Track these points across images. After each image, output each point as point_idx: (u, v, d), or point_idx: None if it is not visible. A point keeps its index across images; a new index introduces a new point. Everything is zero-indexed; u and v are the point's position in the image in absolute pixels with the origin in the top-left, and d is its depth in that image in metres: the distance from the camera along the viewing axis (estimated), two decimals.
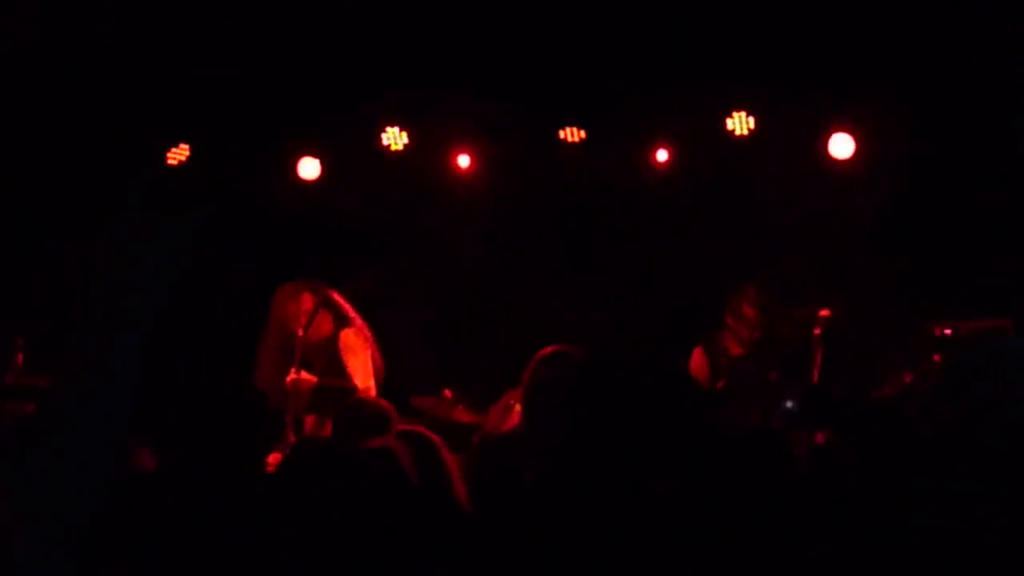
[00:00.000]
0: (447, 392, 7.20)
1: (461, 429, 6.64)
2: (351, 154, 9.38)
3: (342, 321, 7.35)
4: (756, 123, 8.92)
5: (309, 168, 9.40)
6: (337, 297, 7.40)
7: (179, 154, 9.27)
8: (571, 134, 9.19)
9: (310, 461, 4.47)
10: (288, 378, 6.98)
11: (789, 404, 7.11)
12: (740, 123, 8.92)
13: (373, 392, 6.99)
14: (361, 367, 7.23)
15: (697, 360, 8.08)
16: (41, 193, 9.17)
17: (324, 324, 7.31)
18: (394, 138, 9.28)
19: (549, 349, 5.54)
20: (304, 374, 7.06)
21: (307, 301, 7.30)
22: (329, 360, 7.27)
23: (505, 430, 5.79)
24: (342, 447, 4.94)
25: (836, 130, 8.90)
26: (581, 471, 3.87)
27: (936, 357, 7.79)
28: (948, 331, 7.79)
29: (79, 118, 9.09)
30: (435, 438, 4.88)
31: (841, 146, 8.90)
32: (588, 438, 4.06)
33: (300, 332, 7.09)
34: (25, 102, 8.89)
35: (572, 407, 4.77)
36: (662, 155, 9.20)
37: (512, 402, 6.13)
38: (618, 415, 3.57)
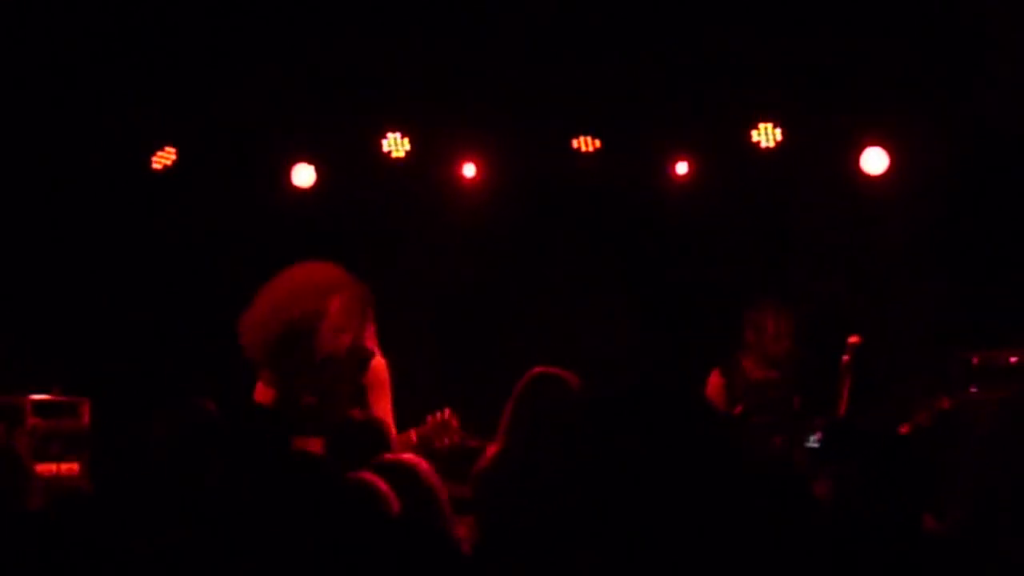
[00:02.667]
0: (447, 410, 6.71)
1: (464, 453, 6.23)
2: (349, 161, 8.95)
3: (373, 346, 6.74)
4: (784, 135, 8.53)
5: (304, 175, 8.95)
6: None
7: (165, 157, 8.82)
8: (585, 143, 8.76)
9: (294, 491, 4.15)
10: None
11: (813, 440, 6.81)
12: (766, 135, 8.54)
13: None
14: (390, 409, 6.63)
15: (714, 383, 7.74)
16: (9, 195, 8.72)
17: (369, 339, 6.67)
18: (395, 144, 8.83)
19: (536, 371, 5.59)
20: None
21: (354, 299, 6.64)
22: (355, 386, 6.61)
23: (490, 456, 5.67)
24: (329, 474, 4.55)
25: (869, 144, 8.51)
26: (566, 504, 3.84)
27: (972, 388, 7.48)
28: (979, 359, 7.46)
29: (65, 120, 8.67)
30: (422, 466, 4.73)
31: (875, 161, 8.53)
32: (573, 469, 4.13)
33: (346, 338, 6.44)
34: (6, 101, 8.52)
35: (556, 433, 4.73)
36: (682, 167, 8.81)
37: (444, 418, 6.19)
38: (608, 446, 3.56)
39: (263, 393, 6.58)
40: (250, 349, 6.62)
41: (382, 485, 4.37)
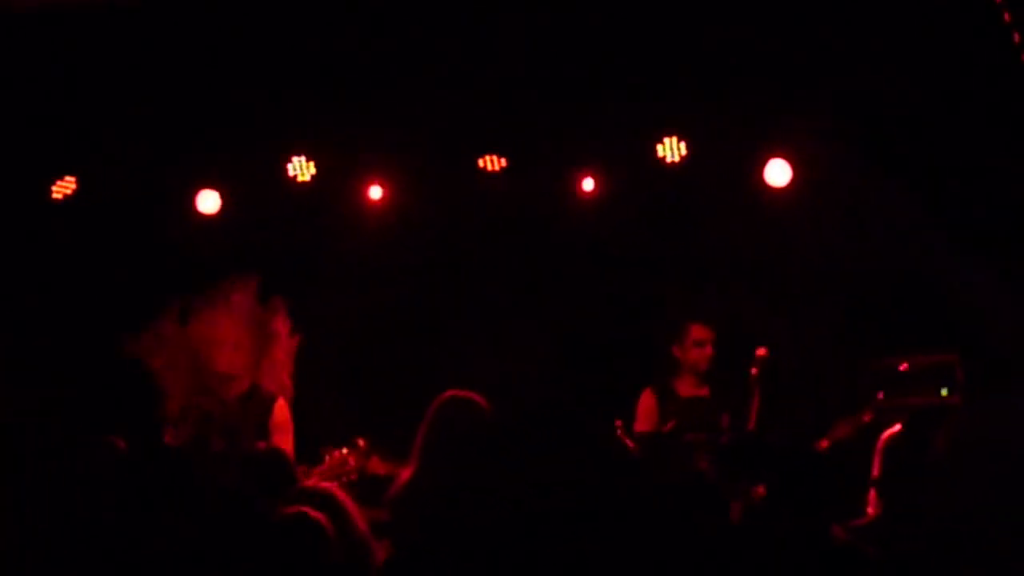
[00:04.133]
0: (360, 441, 6.67)
1: (376, 480, 6.20)
2: (254, 186, 8.84)
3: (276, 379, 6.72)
4: (688, 148, 8.53)
5: (209, 201, 8.84)
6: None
7: (65, 187, 8.65)
8: (491, 162, 8.73)
9: (227, 526, 4.15)
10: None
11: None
12: (672, 148, 8.54)
13: None
14: (291, 448, 6.61)
15: (646, 401, 7.90)
16: None
17: (283, 371, 6.68)
18: (301, 168, 8.73)
19: (448, 394, 5.69)
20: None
21: (281, 318, 6.65)
22: (258, 424, 6.59)
23: (405, 479, 5.74)
24: (246, 507, 4.54)
25: (772, 156, 8.55)
26: (470, 522, 4.14)
27: (880, 394, 7.57)
28: (903, 366, 7.52)
29: None
30: (339, 493, 4.81)
31: (778, 173, 8.56)
32: (480, 489, 4.12)
33: (279, 352, 6.43)
34: None
35: (465, 456, 4.76)
36: (588, 184, 8.80)
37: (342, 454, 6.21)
38: (518, 468, 3.62)
39: (173, 436, 6.54)
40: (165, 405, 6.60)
41: (318, 516, 4.37)
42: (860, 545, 4.64)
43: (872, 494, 6.15)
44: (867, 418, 7.28)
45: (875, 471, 6.56)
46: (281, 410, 6.61)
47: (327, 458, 6.27)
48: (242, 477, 5.69)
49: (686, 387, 7.86)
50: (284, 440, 6.58)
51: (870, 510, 6.58)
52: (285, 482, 5.26)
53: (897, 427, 6.40)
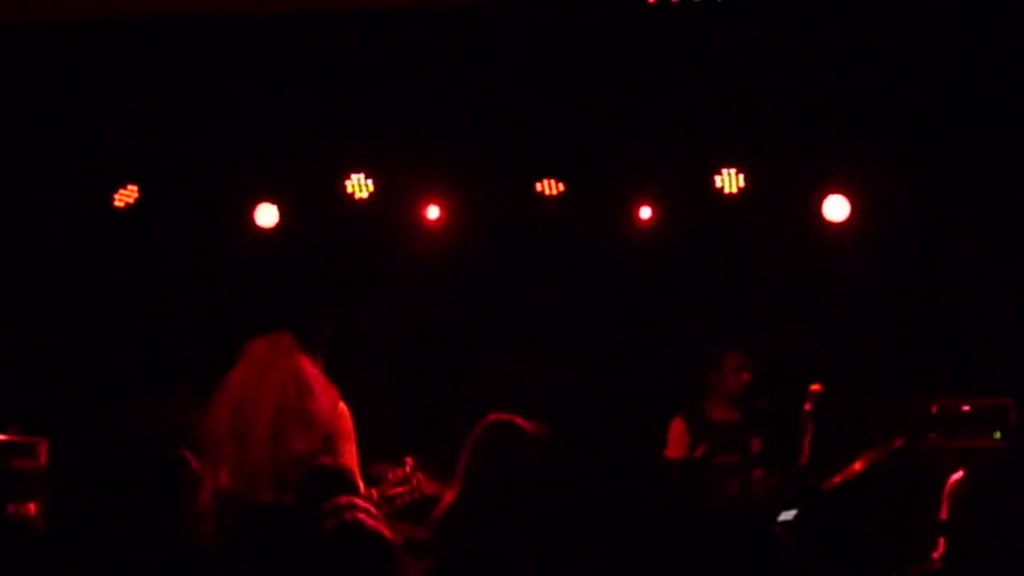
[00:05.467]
0: (408, 459, 6.67)
1: (422, 500, 6.19)
2: (312, 201, 8.86)
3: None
4: (746, 180, 8.51)
5: (267, 215, 8.88)
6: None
7: (127, 196, 8.73)
8: (549, 187, 8.72)
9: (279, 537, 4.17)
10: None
11: (788, 515, 6.97)
12: (729, 180, 8.51)
13: None
14: (355, 457, 6.61)
15: (676, 428, 7.85)
16: None
17: (328, 394, 6.66)
18: (359, 185, 8.76)
19: (492, 417, 5.66)
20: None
21: (306, 363, 6.63)
22: (325, 439, 6.58)
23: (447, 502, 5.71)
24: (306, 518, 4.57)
25: (831, 191, 8.51)
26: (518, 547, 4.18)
27: (932, 436, 7.51)
28: (964, 407, 7.47)
29: (27, 156, 8.60)
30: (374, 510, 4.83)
31: (836, 208, 8.52)
32: (526, 513, 4.14)
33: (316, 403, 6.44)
34: None
35: (507, 481, 4.74)
36: (646, 212, 8.77)
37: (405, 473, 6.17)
38: (563, 493, 3.61)
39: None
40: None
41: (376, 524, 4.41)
42: None
43: (941, 540, 6.08)
44: (897, 444, 7.23)
45: (943, 515, 6.48)
46: (344, 417, 6.59)
47: (389, 475, 6.26)
48: (300, 493, 5.70)
49: (718, 411, 7.83)
50: (347, 447, 6.56)
51: (935, 556, 6.51)
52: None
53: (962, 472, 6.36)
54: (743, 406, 7.83)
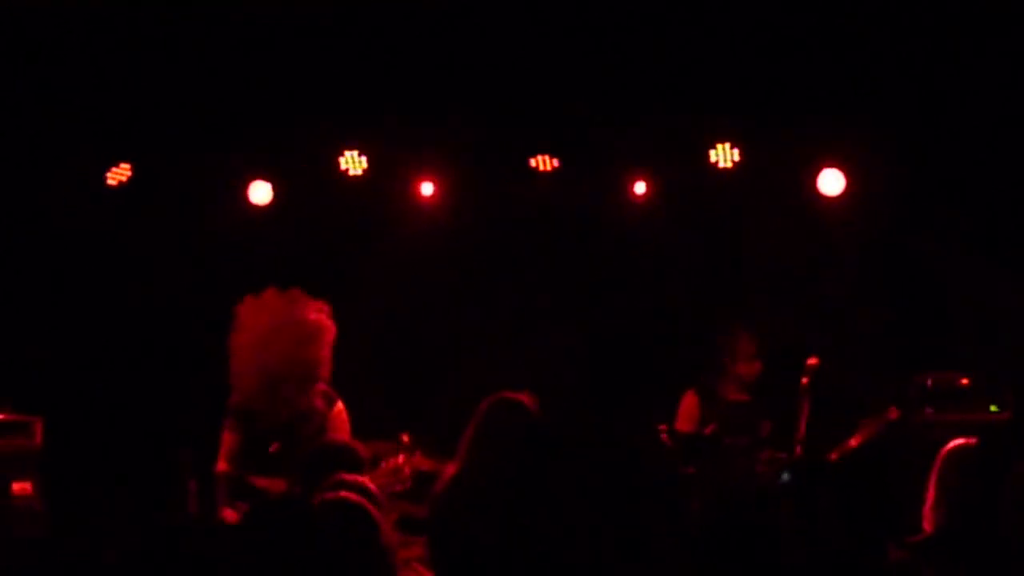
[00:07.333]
0: (404, 436, 6.65)
1: (420, 478, 6.18)
2: (306, 178, 8.86)
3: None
4: (741, 155, 8.51)
5: (261, 192, 8.87)
6: None
7: (120, 174, 8.71)
8: (543, 162, 8.73)
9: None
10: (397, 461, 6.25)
11: (785, 477, 7.01)
12: (724, 155, 8.51)
13: None
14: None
15: (688, 403, 7.84)
16: None
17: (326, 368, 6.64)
18: (353, 162, 8.75)
19: (498, 395, 5.62)
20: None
21: (330, 328, 6.61)
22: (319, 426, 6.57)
23: (448, 478, 5.64)
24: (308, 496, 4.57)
25: (826, 165, 8.51)
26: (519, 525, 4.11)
27: (928, 410, 7.50)
28: (934, 381, 7.48)
29: (18, 136, 8.56)
30: (374, 488, 4.80)
31: (831, 182, 8.53)
32: (529, 492, 4.11)
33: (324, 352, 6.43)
34: None
35: (511, 457, 4.74)
36: (640, 187, 8.79)
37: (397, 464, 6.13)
38: (564, 470, 3.61)
39: (229, 438, 6.51)
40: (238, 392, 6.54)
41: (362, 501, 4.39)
42: (917, 563, 4.60)
43: (927, 510, 6.09)
44: (893, 416, 7.23)
45: (931, 487, 6.49)
46: (340, 413, 6.59)
47: (382, 464, 6.24)
48: (305, 467, 5.68)
49: (729, 392, 7.83)
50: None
51: (926, 526, 6.52)
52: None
53: (959, 441, 6.36)
54: (754, 390, 7.84)
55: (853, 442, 7.31)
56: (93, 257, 8.85)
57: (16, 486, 7.60)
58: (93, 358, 8.71)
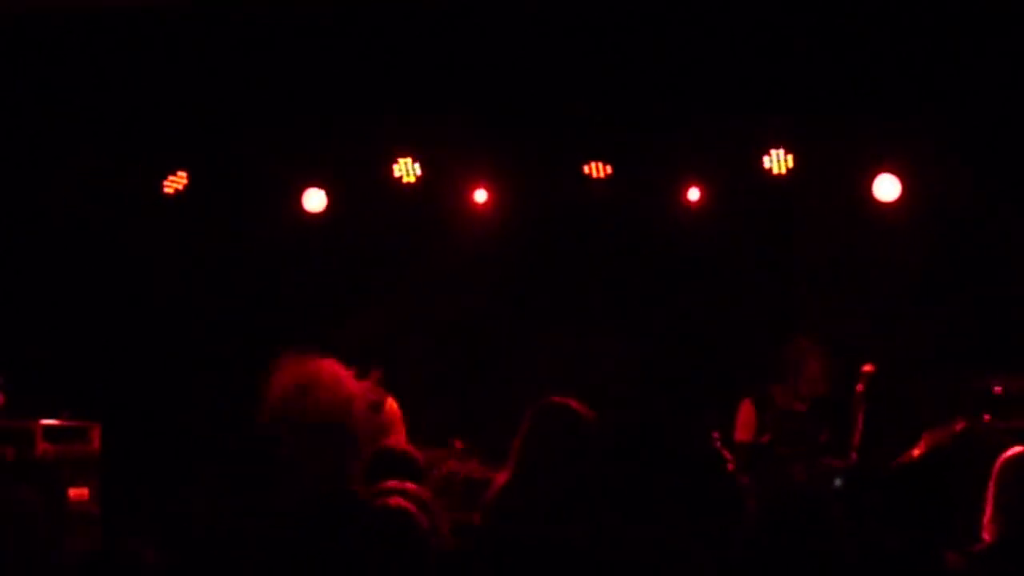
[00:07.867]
0: (457, 442, 6.66)
1: (472, 484, 6.18)
2: (360, 186, 8.89)
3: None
4: (795, 161, 8.45)
5: (315, 200, 8.90)
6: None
7: (177, 182, 8.79)
8: (596, 169, 8.70)
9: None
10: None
11: (837, 483, 7.04)
12: (778, 161, 8.44)
13: None
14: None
15: (745, 412, 7.78)
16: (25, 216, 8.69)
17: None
18: (406, 169, 8.77)
19: (548, 400, 5.50)
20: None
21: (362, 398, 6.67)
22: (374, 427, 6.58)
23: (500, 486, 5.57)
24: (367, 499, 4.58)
25: (881, 170, 8.43)
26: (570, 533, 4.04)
27: (987, 417, 7.43)
28: (999, 388, 7.39)
29: (76, 140, 8.65)
30: (428, 495, 4.70)
31: (887, 187, 8.44)
32: (580, 498, 4.37)
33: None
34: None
35: (562, 465, 4.69)
36: (694, 193, 8.75)
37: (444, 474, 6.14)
38: (617, 477, 3.58)
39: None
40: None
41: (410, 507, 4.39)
42: (975, 574, 4.55)
43: (987, 520, 6.02)
44: (959, 427, 7.16)
45: (989, 496, 6.41)
46: (392, 408, 6.59)
47: (434, 471, 6.24)
48: (369, 474, 5.68)
49: (785, 398, 7.79)
50: (398, 436, 6.55)
51: (985, 536, 6.45)
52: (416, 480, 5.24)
53: (1017, 449, 6.28)
54: (814, 399, 7.77)
55: (916, 451, 7.25)
56: (151, 265, 8.93)
57: (73, 492, 7.68)
58: (151, 364, 8.78)
